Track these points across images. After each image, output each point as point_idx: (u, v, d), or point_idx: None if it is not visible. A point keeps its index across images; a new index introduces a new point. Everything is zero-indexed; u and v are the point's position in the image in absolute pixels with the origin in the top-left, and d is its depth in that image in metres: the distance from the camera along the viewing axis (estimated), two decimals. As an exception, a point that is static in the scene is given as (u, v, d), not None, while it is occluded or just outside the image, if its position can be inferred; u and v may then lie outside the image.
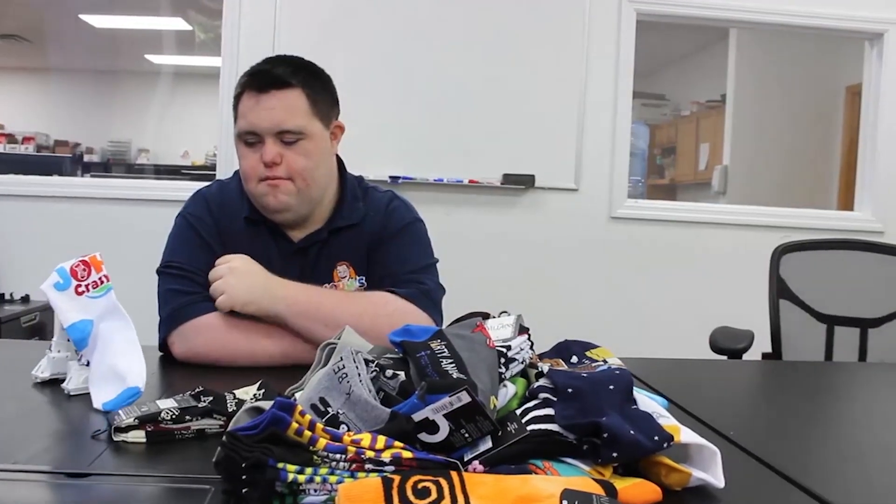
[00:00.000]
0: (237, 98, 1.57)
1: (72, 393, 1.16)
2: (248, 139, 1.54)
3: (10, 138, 9.11)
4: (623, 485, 0.79)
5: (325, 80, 1.62)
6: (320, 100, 1.57)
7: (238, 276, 1.46)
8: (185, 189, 1.75)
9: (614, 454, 0.80)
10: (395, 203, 1.67)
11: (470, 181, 3.71)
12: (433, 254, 1.67)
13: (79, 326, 1.19)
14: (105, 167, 9.21)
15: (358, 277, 1.61)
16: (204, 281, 1.49)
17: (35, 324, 3.45)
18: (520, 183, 3.74)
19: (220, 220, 1.60)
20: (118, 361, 1.12)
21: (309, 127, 1.54)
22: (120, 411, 0.96)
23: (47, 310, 3.56)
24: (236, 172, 1.65)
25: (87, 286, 1.21)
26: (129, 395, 1.06)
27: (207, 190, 1.68)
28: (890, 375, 1.85)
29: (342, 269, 1.61)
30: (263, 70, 1.55)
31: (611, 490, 0.75)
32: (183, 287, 1.51)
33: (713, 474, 0.84)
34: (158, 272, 1.57)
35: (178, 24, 7.13)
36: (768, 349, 2.28)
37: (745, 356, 2.13)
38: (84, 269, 1.22)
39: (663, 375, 1.48)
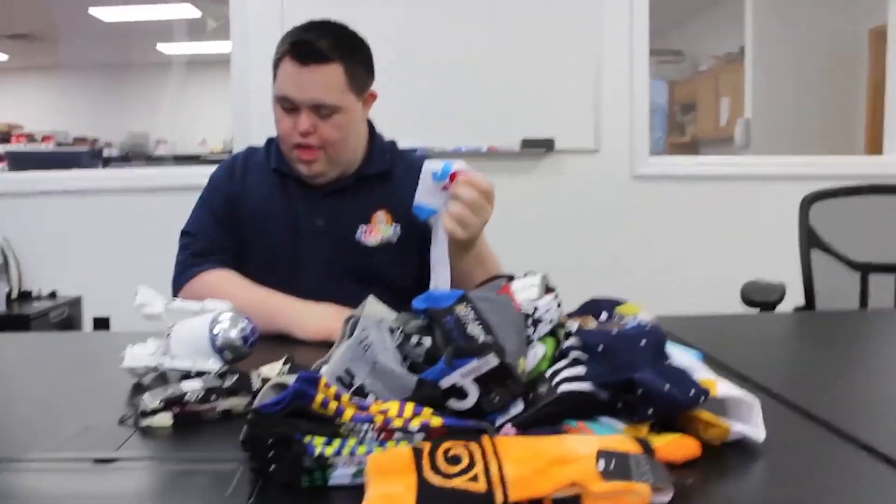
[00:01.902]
0: (277, 60, 1.60)
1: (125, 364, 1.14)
2: (285, 105, 1.59)
3: (30, 138, 9.18)
4: (660, 442, 0.77)
5: (363, 52, 1.65)
6: (357, 73, 1.60)
7: None
8: (204, 175, 1.78)
9: (650, 411, 0.78)
10: None
11: (489, 148, 3.67)
12: None
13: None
14: (124, 160, 9.27)
15: (394, 224, 1.66)
16: (206, 238, 1.64)
17: (63, 318, 3.48)
18: (539, 147, 3.69)
19: (245, 177, 1.70)
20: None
21: (343, 101, 1.58)
22: (145, 395, 0.95)
23: (75, 304, 3.59)
24: (268, 140, 1.74)
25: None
26: None
27: (235, 156, 1.80)
28: (929, 319, 1.81)
29: (380, 215, 1.66)
30: (306, 41, 1.56)
31: (648, 448, 0.72)
32: (189, 244, 1.66)
33: (753, 427, 0.82)
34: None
35: (187, 11, 7.11)
36: (801, 302, 2.24)
37: (778, 310, 2.09)
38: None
39: (695, 331, 1.45)
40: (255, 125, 3.60)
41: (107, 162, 8.68)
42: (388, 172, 1.69)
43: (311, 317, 1.46)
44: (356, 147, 1.68)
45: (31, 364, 1.42)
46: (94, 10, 7.09)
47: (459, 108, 3.67)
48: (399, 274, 1.64)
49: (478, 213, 1.34)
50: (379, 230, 1.65)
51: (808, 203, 2.30)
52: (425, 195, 1.32)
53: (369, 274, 1.63)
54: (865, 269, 2.26)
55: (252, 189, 1.69)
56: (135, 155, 9.54)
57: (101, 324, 3.65)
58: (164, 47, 8.92)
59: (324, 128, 1.58)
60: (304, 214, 1.66)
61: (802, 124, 5.67)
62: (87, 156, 5.94)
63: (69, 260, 3.70)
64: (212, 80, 9.16)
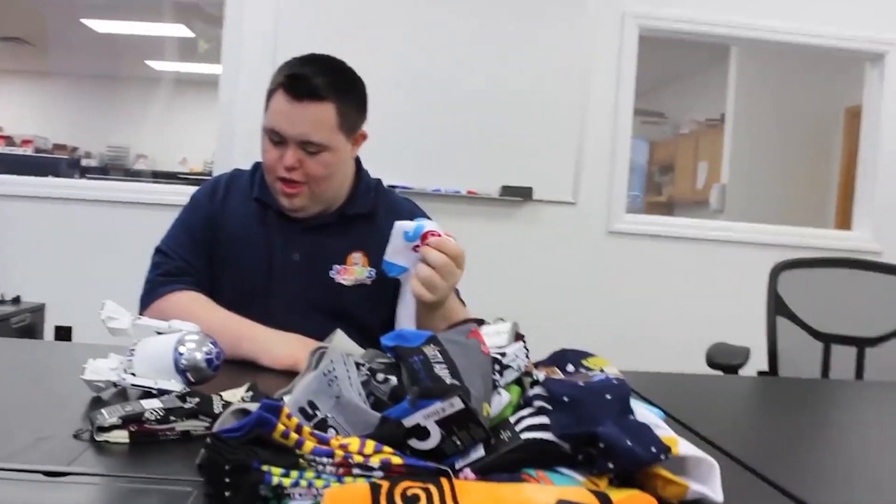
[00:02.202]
0: (271, 92, 1.59)
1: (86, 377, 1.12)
2: (273, 137, 1.58)
3: (9, 140, 9.10)
4: (619, 496, 0.77)
5: (358, 92, 1.65)
6: (349, 113, 1.60)
7: None
8: (181, 193, 1.78)
9: (610, 465, 0.78)
10: (418, 213, 1.74)
11: (468, 192, 3.70)
12: None
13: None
14: (103, 171, 9.19)
15: (369, 269, 1.65)
16: (179, 258, 1.62)
17: (25, 325, 3.42)
18: (518, 195, 3.73)
19: (227, 200, 1.69)
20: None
21: (332, 141, 1.57)
22: (103, 410, 0.93)
23: (38, 311, 3.54)
24: (254, 164, 1.73)
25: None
26: None
27: (220, 177, 1.77)
28: (887, 393, 1.83)
29: (356, 257, 1.65)
30: (302, 76, 1.55)
31: (606, 501, 0.72)
32: (161, 262, 1.63)
33: (711, 488, 0.82)
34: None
35: (180, 30, 7.13)
36: (765, 367, 2.26)
37: (741, 373, 2.11)
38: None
39: (659, 388, 1.46)
40: (238, 148, 3.61)
41: (85, 171, 8.61)
42: (369, 214, 1.69)
43: (278, 344, 1.45)
44: (341, 185, 1.68)
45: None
46: (86, 21, 7.08)
47: (442, 150, 3.70)
48: (370, 315, 1.64)
49: (446, 278, 1.36)
50: (354, 272, 1.65)
51: (777, 271, 2.33)
52: (395, 253, 1.35)
53: (341, 311, 1.62)
54: (828, 340, 2.29)
55: (232, 213, 1.68)
56: (114, 167, 9.47)
57: (63, 332, 3.59)
58: (154, 63, 8.92)
59: (310, 164, 1.57)
60: (282, 247, 1.65)
61: (777, 194, 5.78)
62: (64, 164, 5.89)
63: (36, 267, 3.65)
64: (198, 100, 9.16)
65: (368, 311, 1.64)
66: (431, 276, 1.34)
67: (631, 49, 3.87)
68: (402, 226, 1.35)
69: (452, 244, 1.36)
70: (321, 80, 1.54)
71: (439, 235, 1.35)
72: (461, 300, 1.65)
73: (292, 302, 1.62)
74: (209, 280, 1.64)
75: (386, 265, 1.37)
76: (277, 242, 1.65)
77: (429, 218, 1.74)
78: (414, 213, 1.72)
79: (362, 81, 1.66)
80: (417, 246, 1.33)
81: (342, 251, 1.65)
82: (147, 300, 1.60)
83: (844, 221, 4.84)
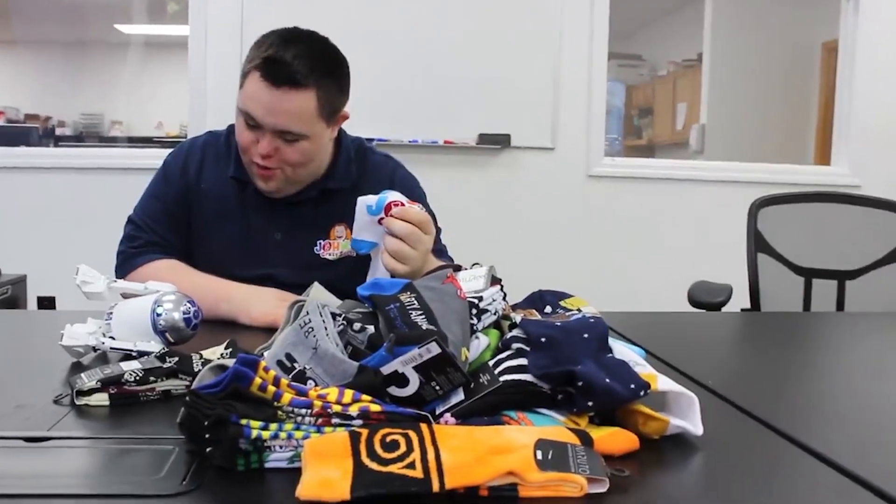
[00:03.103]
0: (246, 71, 1.49)
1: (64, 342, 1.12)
2: (248, 120, 1.50)
3: (-21, 112, 8.94)
4: (599, 434, 0.77)
5: (341, 74, 1.56)
6: (331, 98, 1.52)
7: None
8: (158, 157, 1.73)
9: (589, 403, 0.78)
10: (400, 173, 1.70)
11: (445, 142, 3.67)
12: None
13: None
14: (78, 139, 9.06)
15: None
16: (153, 233, 1.60)
17: (7, 297, 3.39)
18: (495, 142, 3.71)
19: (202, 173, 1.63)
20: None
21: (311, 129, 1.50)
22: (83, 374, 0.93)
23: (19, 282, 3.51)
24: (228, 128, 1.65)
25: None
26: None
27: (193, 142, 1.71)
28: (866, 323, 1.85)
29: (339, 230, 1.62)
30: (281, 61, 1.44)
31: (586, 439, 0.73)
32: (135, 235, 1.61)
33: (691, 422, 0.83)
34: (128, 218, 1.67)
35: (146, -9, 6.99)
36: (747, 305, 2.28)
37: (724, 311, 2.12)
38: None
39: (641, 328, 1.47)
40: (211, 110, 3.56)
41: (59, 140, 8.48)
42: (351, 187, 1.62)
43: (255, 303, 1.44)
44: (319, 164, 1.62)
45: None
46: (50, -15, 6.93)
47: (417, 101, 3.67)
48: (356, 286, 1.62)
49: (415, 246, 1.33)
50: (338, 245, 1.62)
51: (756, 208, 2.34)
52: (362, 230, 1.33)
53: (329, 287, 1.60)
54: (809, 275, 2.31)
55: (209, 189, 1.63)
56: (89, 135, 9.33)
57: (46, 303, 3.57)
58: (123, 27, 8.74)
59: (286, 151, 1.50)
60: (262, 226, 1.61)
61: (756, 132, 5.78)
62: (37, 133, 5.80)
63: (15, 238, 3.62)
64: (170, 62, 8.99)
65: (357, 283, 1.62)
66: (400, 247, 1.31)
67: (603, -9, 3.82)
68: (364, 200, 1.32)
69: (415, 211, 1.33)
70: (301, 65, 1.45)
71: (402, 205, 1.32)
72: (451, 258, 1.63)
73: (277, 281, 1.58)
74: (184, 255, 1.61)
75: (354, 243, 1.35)
76: (257, 222, 1.61)
77: (413, 177, 1.72)
78: (395, 173, 1.69)
79: (345, 61, 1.57)
80: (382, 219, 1.31)
81: (325, 225, 1.62)
82: (122, 273, 1.58)
83: (824, 157, 4.85)
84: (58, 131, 9.03)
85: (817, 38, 5.71)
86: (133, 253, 1.59)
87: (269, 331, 1.04)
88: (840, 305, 2.29)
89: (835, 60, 4.38)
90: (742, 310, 2.26)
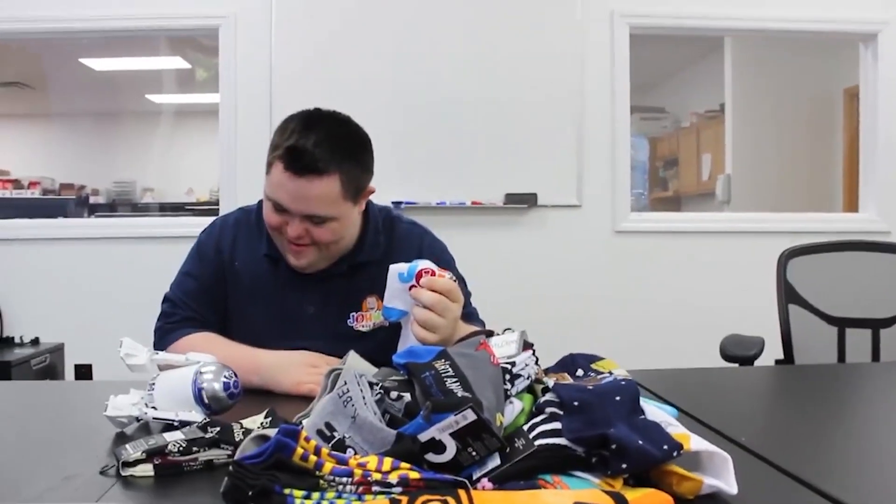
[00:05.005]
0: (271, 161, 1.52)
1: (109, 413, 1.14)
2: (276, 206, 1.53)
3: (16, 184, 9.16)
4: (634, 495, 0.78)
5: (363, 154, 1.58)
6: (355, 179, 1.54)
7: None
8: (189, 225, 1.78)
9: (623, 465, 0.79)
10: (428, 240, 1.71)
11: (473, 203, 3.71)
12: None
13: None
14: (111, 208, 9.24)
15: None
16: (189, 309, 1.63)
17: (46, 366, 3.45)
18: (522, 202, 3.75)
19: (235, 250, 1.67)
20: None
21: (338, 211, 1.53)
22: (127, 446, 0.95)
23: (57, 351, 3.57)
24: (259, 203, 1.67)
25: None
26: None
27: (226, 220, 1.74)
28: (904, 375, 1.83)
29: (371, 301, 1.62)
30: (302, 150, 1.46)
31: (622, 501, 0.74)
32: (171, 312, 1.64)
33: (726, 481, 0.83)
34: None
35: (177, 62, 7.18)
36: (780, 356, 2.26)
37: (757, 364, 2.11)
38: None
39: (672, 385, 1.47)
40: (242, 176, 3.64)
41: (93, 209, 8.67)
42: (380, 258, 1.62)
43: (283, 373, 1.45)
44: (349, 239, 1.64)
45: (12, 412, 1.42)
46: (84, 60, 7.14)
47: (444, 163, 3.72)
48: (390, 356, 1.61)
49: (444, 314, 1.34)
50: (371, 316, 1.63)
51: (785, 258, 2.33)
52: (393, 298, 1.35)
53: (365, 358, 1.60)
54: (842, 324, 2.29)
55: (242, 267, 1.66)
56: (121, 203, 9.52)
57: (84, 370, 3.62)
58: (154, 97, 8.98)
59: (316, 231, 1.53)
60: (295, 301, 1.63)
61: (782, 180, 5.76)
62: (73, 203, 5.94)
63: (53, 307, 3.69)
64: (200, 129, 9.19)
65: (391, 353, 1.60)
66: (429, 317, 1.33)
67: (622, 48, 3.89)
68: (396, 269, 1.35)
69: (442, 281, 1.35)
70: (323, 152, 1.47)
71: (432, 273, 1.34)
72: (482, 321, 1.64)
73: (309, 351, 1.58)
74: (221, 330, 1.62)
75: (385, 311, 1.37)
76: (291, 297, 1.63)
77: (441, 243, 1.73)
78: (423, 241, 1.70)
79: (368, 139, 1.60)
80: (413, 286, 1.33)
81: (357, 298, 1.63)
82: (160, 347, 1.57)
83: (852, 203, 4.82)
84: (91, 199, 9.21)
85: (838, 83, 5.72)
86: (170, 328, 1.61)
87: (308, 398, 1.07)
88: (875, 355, 2.27)
89: (857, 106, 4.40)
90: (776, 361, 2.24)
